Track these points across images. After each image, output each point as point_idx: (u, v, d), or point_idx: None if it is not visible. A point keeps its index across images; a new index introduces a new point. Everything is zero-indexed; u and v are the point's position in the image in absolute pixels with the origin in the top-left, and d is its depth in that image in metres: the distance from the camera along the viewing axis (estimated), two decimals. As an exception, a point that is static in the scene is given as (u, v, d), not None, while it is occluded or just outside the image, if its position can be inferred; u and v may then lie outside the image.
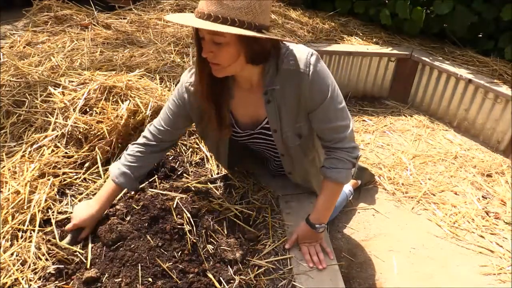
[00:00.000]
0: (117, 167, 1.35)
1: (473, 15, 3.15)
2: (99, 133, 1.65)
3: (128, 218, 1.29)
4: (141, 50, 2.54)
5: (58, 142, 1.62)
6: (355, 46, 3.33)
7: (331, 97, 1.23)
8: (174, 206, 1.32)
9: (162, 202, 1.32)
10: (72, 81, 1.87)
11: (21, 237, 1.25)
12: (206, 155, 1.77)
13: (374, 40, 3.50)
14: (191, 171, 1.67)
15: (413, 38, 3.58)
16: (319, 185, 1.41)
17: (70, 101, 1.72)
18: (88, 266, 1.16)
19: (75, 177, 1.53)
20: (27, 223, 1.28)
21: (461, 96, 2.98)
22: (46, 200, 1.38)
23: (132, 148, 1.39)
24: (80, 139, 1.64)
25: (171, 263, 1.19)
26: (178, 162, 1.69)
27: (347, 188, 2.05)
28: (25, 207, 1.34)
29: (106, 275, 1.15)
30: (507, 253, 1.92)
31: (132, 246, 1.19)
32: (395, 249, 1.93)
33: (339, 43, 3.38)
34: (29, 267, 1.16)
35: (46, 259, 1.19)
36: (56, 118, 1.67)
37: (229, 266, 1.26)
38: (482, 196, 2.30)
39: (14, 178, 1.43)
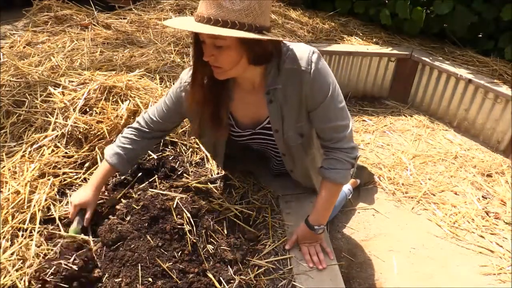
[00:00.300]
0: (111, 148, 1.40)
1: (473, 15, 3.15)
2: (99, 133, 1.65)
3: (128, 218, 1.29)
4: (141, 50, 2.55)
5: (58, 142, 1.62)
6: (355, 46, 3.33)
7: (331, 95, 1.23)
8: (174, 206, 1.32)
9: (162, 202, 1.32)
10: (72, 81, 1.87)
11: (22, 236, 1.25)
12: (206, 155, 1.77)
13: (374, 40, 3.51)
14: (191, 171, 1.67)
15: (413, 38, 3.58)
16: (319, 181, 1.41)
17: (70, 101, 1.72)
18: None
19: (75, 177, 1.53)
20: (27, 222, 1.28)
21: (461, 96, 2.98)
22: (46, 200, 1.38)
23: (126, 131, 1.44)
24: (80, 139, 1.64)
25: (171, 263, 1.19)
26: (178, 162, 1.69)
27: (346, 187, 2.05)
28: (25, 207, 1.34)
29: (106, 275, 1.15)
30: (507, 253, 1.92)
31: (132, 246, 1.19)
32: (395, 249, 1.93)
33: (339, 43, 3.38)
34: (30, 266, 1.16)
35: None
36: (56, 118, 1.67)
37: (229, 266, 1.26)
38: (482, 196, 2.30)
39: (14, 178, 1.43)
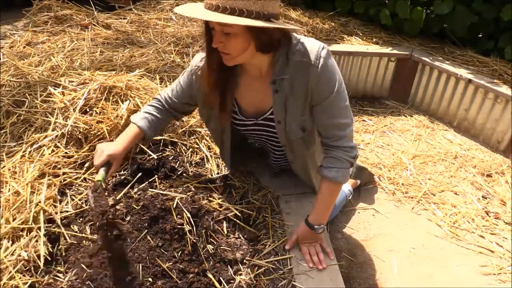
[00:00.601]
0: (137, 115, 1.46)
1: (473, 15, 3.15)
2: (99, 133, 1.65)
3: (128, 218, 1.29)
4: (141, 50, 2.55)
5: (58, 142, 1.62)
6: (355, 46, 3.33)
7: (337, 92, 1.24)
8: (174, 206, 1.32)
9: (162, 202, 1.33)
10: (72, 81, 1.87)
11: (23, 237, 1.25)
12: (206, 155, 1.77)
13: (374, 40, 3.50)
14: (191, 171, 1.67)
15: (413, 38, 3.58)
16: (318, 181, 1.41)
17: (70, 101, 1.72)
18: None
19: (75, 177, 1.53)
20: (30, 221, 1.28)
21: (461, 96, 2.98)
22: (46, 200, 1.38)
23: (149, 103, 1.52)
24: (80, 139, 1.65)
25: (171, 263, 1.19)
26: (178, 162, 1.69)
27: (346, 187, 2.05)
28: (26, 207, 1.33)
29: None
30: (507, 253, 1.92)
31: (132, 246, 1.19)
32: (395, 249, 1.93)
33: (339, 43, 3.38)
34: (30, 266, 1.16)
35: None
36: (56, 118, 1.67)
37: (229, 266, 1.26)
38: (482, 196, 2.30)
39: (14, 178, 1.43)
